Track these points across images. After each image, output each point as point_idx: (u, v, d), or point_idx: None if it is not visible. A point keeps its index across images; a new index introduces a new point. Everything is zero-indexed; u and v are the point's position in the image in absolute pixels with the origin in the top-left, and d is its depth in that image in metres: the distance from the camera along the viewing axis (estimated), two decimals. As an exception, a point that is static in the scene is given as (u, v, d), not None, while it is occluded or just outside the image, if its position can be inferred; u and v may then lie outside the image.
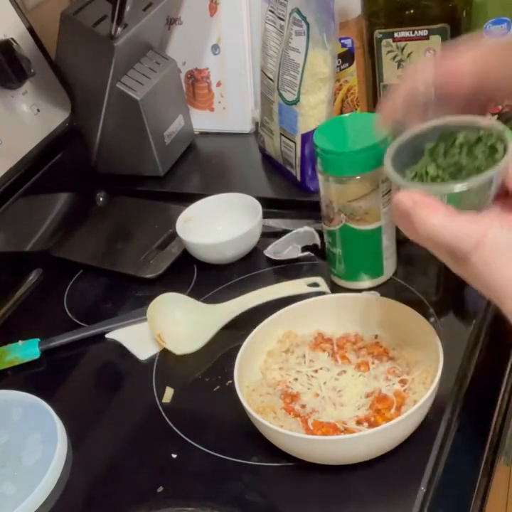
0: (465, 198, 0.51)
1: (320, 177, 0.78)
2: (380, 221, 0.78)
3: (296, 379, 0.70)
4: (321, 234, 0.86)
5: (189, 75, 1.16)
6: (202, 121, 1.17)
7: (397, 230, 0.80)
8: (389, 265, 0.82)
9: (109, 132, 1.06)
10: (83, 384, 0.80)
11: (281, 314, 0.74)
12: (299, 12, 0.88)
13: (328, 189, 0.77)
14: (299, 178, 0.98)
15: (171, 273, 0.91)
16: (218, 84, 1.14)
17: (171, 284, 0.89)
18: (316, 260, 0.88)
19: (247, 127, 1.16)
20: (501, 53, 0.57)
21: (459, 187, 0.51)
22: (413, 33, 0.88)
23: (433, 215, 0.50)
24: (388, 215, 0.78)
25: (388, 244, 0.81)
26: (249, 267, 0.90)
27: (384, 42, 0.90)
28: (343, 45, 0.98)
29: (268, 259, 0.90)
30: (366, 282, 0.82)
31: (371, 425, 0.63)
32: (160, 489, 0.65)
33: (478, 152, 0.55)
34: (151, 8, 1.01)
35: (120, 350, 0.82)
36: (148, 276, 0.91)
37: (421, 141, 0.57)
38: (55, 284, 0.95)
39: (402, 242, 0.82)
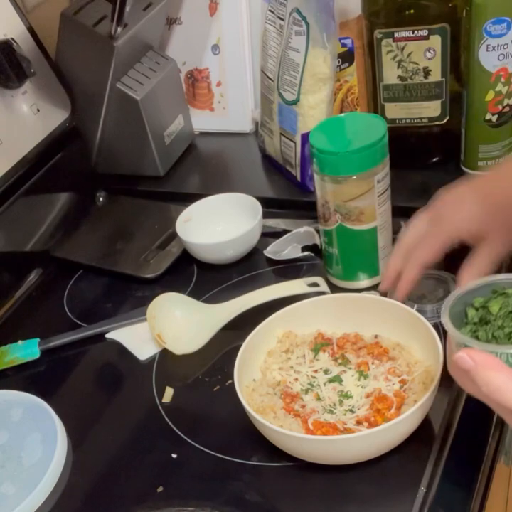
0: None
1: (316, 177, 0.78)
2: (375, 221, 0.78)
3: (296, 379, 0.70)
4: (321, 234, 0.86)
5: (189, 75, 1.16)
6: (202, 121, 1.17)
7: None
8: (385, 265, 0.82)
9: (109, 132, 1.06)
10: (83, 384, 0.80)
11: (281, 314, 0.74)
12: (299, 12, 0.88)
13: (324, 189, 0.77)
14: (299, 178, 0.98)
15: (171, 273, 0.91)
16: (218, 84, 1.14)
17: (171, 284, 0.89)
18: (316, 260, 0.88)
19: (247, 127, 1.16)
20: None
21: None
22: (413, 33, 0.88)
23: (497, 376, 0.50)
24: (384, 215, 0.78)
25: (384, 244, 0.81)
26: (249, 267, 0.90)
27: (384, 42, 0.90)
28: (343, 45, 0.97)
29: (268, 259, 0.90)
30: (363, 282, 0.82)
31: (371, 425, 0.63)
32: (160, 489, 0.65)
33: None
34: (151, 8, 1.01)
35: (120, 350, 0.82)
36: (148, 276, 0.91)
37: (471, 296, 0.58)
38: (55, 284, 0.95)
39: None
